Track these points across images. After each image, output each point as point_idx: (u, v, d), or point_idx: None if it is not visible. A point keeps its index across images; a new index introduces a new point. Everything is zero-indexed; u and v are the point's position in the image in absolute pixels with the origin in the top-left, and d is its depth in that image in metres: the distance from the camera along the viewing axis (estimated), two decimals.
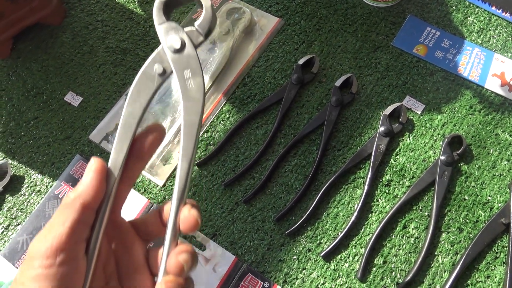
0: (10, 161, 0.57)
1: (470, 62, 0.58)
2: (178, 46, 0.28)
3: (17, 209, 0.54)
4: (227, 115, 0.58)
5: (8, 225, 0.53)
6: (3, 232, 0.53)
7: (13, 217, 0.54)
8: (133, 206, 0.53)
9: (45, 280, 0.26)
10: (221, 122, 0.57)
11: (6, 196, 0.55)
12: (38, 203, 0.54)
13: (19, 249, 0.51)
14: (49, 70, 0.62)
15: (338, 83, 0.56)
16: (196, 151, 0.29)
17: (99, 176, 0.27)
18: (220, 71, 0.59)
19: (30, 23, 0.62)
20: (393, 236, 0.50)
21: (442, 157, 0.52)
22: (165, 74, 0.29)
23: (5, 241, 0.52)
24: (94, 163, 0.28)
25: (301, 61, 0.58)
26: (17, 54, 0.64)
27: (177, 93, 0.28)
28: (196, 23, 0.29)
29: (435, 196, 0.50)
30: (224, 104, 0.58)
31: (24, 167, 0.56)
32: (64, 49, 0.63)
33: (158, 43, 0.63)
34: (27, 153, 0.57)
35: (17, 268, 0.50)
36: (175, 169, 0.55)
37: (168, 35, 0.28)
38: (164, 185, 0.54)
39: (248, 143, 0.56)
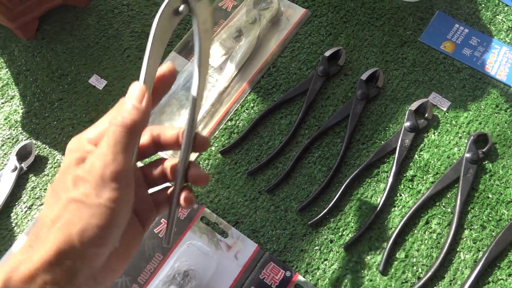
0: (34, 142, 0.57)
1: (498, 61, 0.58)
2: None
3: (40, 189, 0.54)
4: (252, 104, 0.58)
5: (32, 205, 0.54)
6: (26, 211, 0.53)
7: (37, 197, 0.54)
8: None
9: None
10: (246, 110, 0.57)
11: (30, 176, 0.55)
12: None
13: None
14: (74, 52, 0.62)
15: (364, 76, 0.56)
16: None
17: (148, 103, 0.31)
18: (246, 60, 0.59)
19: (55, 5, 0.62)
20: (416, 231, 0.50)
21: (467, 155, 0.52)
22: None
23: (28, 220, 0.53)
24: (142, 89, 0.32)
25: (327, 53, 0.58)
26: (42, 35, 0.64)
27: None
28: None
29: (459, 193, 0.50)
30: (249, 93, 0.58)
31: (48, 148, 0.57)
32: (89, 32, 0.63)
33: (183, 29, 0.63)
34: (51, 134, 0.58)
35: None
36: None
37: None
38: None
39: (272, 133, 0.56)
